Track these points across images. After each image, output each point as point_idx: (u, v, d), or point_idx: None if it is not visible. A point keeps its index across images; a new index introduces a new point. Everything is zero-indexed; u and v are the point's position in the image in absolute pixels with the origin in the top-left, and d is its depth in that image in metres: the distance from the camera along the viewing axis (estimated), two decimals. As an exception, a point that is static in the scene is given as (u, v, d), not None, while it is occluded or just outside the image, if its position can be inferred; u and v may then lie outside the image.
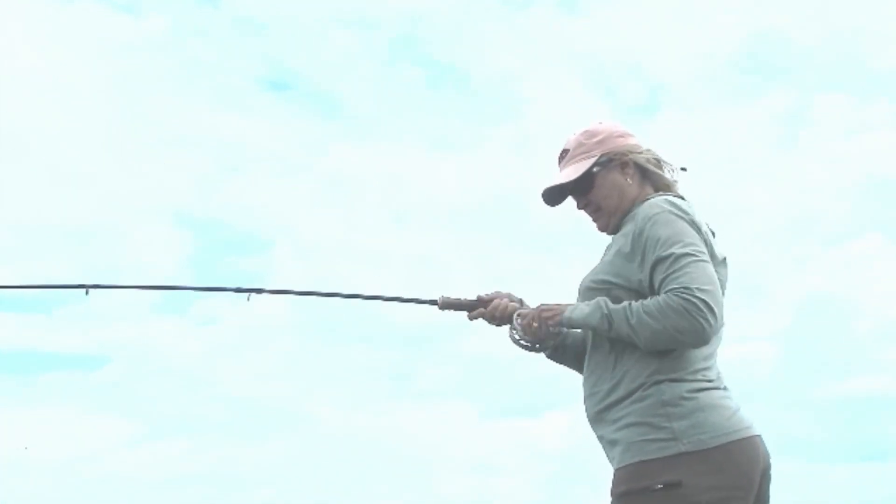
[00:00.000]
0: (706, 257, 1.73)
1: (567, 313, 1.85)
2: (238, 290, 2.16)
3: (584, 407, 1.87)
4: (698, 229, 1.77)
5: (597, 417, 1.81)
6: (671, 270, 1.70)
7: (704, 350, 1.77)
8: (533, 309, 1.95)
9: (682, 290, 1.66)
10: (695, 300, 1.65)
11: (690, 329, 1.65)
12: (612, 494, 1.73)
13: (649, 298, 1.72)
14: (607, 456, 1.81)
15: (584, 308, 1.81)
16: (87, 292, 2.11)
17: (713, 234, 1.87)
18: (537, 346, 1.98)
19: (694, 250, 1.71)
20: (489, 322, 2.02)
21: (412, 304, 2.10)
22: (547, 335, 1.93)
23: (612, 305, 1.77)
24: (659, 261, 1.72)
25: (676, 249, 1.71)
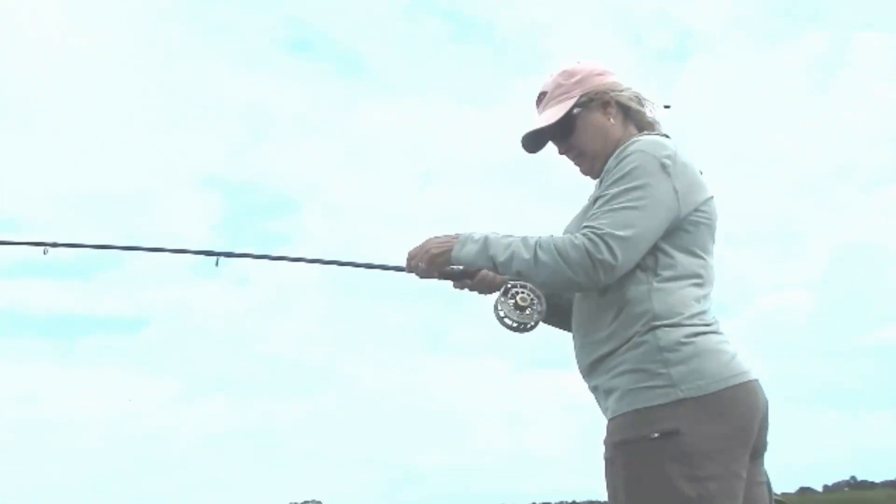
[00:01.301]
0: (648, 201, 1.65)
1: (455, 251, 1.81)
2: (207, 254, 2.09)
3: (575, 359, 1.80)
4: (669, 172, 1.68)
5: (591, 368, 1.75)
6: (599, 209, 1.67)
7: (700, 292, 1.71)
8: (419, 245, 1.87)
9: (592, 229, 1.64)
10: (597, 240, 1.61)
11: (582, 267, 1.62)
12: (606, 444, 1.67)
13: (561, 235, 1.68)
14: (601, 407, 1.75)
15: (472, 246, 1.77)
16: (45, 251, 2.07)
17: (701, 173, 1.80)
18: (526, 325, 1.85)
19: (635, 195, 1.65)
20: (476, 290, 1.95)
21: (392, 272, 2.01)
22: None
23: (503, 241, 1.73)
24: (598, 198, 1.69)
25: (617, 187, 1.67)
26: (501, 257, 1.72)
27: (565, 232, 1.82)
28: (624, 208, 1.64)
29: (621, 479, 1.60)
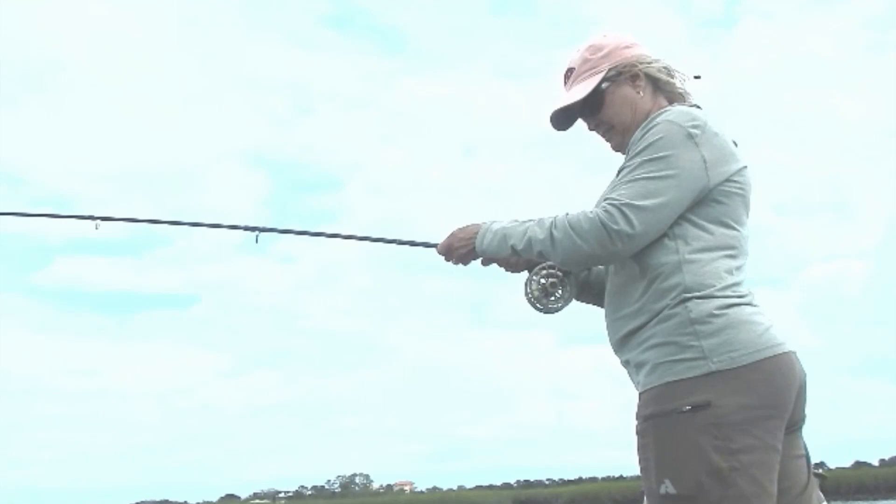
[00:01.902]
0: (672, 171, 1.62)
1: (477, 244, 1.83)
2: (247, 228, 2.12)
3: (607, 333, 1.80)
4: (698, 142, 1.65)
5: (622, 342, 1.74)
6: (619, 181, 1.66)
7: (732, 263, 1.69)
8: (445, 242, 1.90)
9: (611, 200, 1.63)
10: (613, 212, 1.60)
11: (597, 239, 1.62)
12: (637, 417, 1.67)
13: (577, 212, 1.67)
14: (633, 381, 1.74)
15: (491, 238, 1.80)
16: (97, 226, 2.13)
17: (735, 144, 1.77)
18: (552, 309, 1.86)
19: (658, 165, 1.63)
20: (505, 269, 1.93)
21: (420, 248, 2.02)
22: (546, 290, 1.85)
23: (518, 229, 1.74)
24: (621, 169, 1.68)
25: (636, 160, 1.66)
26: (520, 244, 1.74)
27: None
28: (645, 178, 1.63)
29: (652, 453, 1.59)
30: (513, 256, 1.80)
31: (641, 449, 1.63)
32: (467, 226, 1.88)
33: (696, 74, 1.86)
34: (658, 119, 1.70)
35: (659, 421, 1.59)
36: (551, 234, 1.68)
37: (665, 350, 1.62)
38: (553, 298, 1.86)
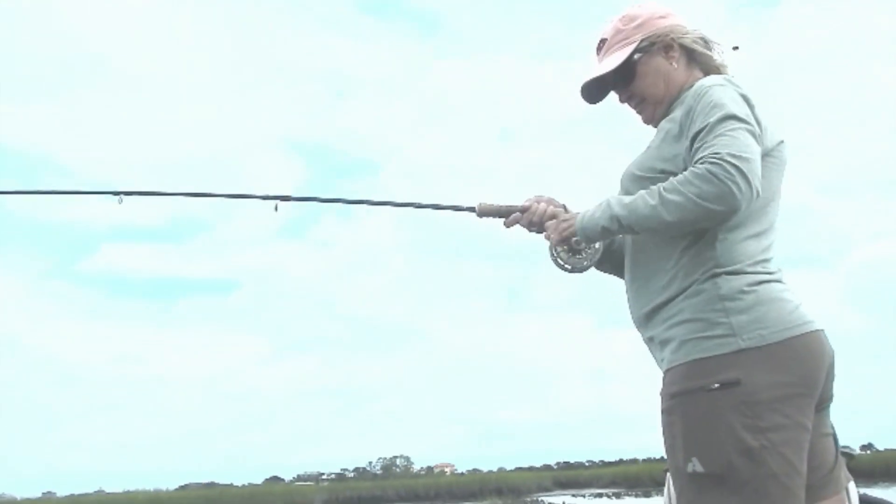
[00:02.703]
0: (751, 126, 1.57)
1: (578, 223, 1.74)
2: (265, 198, 2.09)
3: (629, 309, 1.78)
4: (751, 105, 1.62)
5: (646, 318, 1.72)
6: (705, 140, 1.56)
7: (763, 241, 1.66)
8: (551, 223, 1.83)
9: (710, 156, 1.52)
10: (723, 163, 1.49)
11: (717, 194, 1.49)
12: (662, 396, 1.65)
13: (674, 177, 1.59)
14: (656, 359, 1.72)
15: (593, 212, 1.69)
16: (120, 200, 2.10)
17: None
18: (580, 268, 1.87)
19: (737, 117, 1.56)
20: (528, 229, 1.89)
21: (453, 212, 1.97)
22: (572, 248, 1.83)
23: (624, 199, 1.63)
24: (697, 133, 1.59)
25: (713, 117, 1.57)
26: (624, 211, 1.62)
27: (623, 175, 1.77)
28: (732, 130, 1.53)
29: (679, 431, 1.58)
30: (616, 233, 1.68)
31: (667, 427, 1.62)
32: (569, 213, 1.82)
33: (735, 46, 1.82)
34: (707, 83, 1.65)
35: (687, 398, 1.57)
36: (662, 197, 1.55)
37: (693, 326, 1.59)
38: (580, 256, 1.85)
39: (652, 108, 1.80)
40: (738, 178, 1.49)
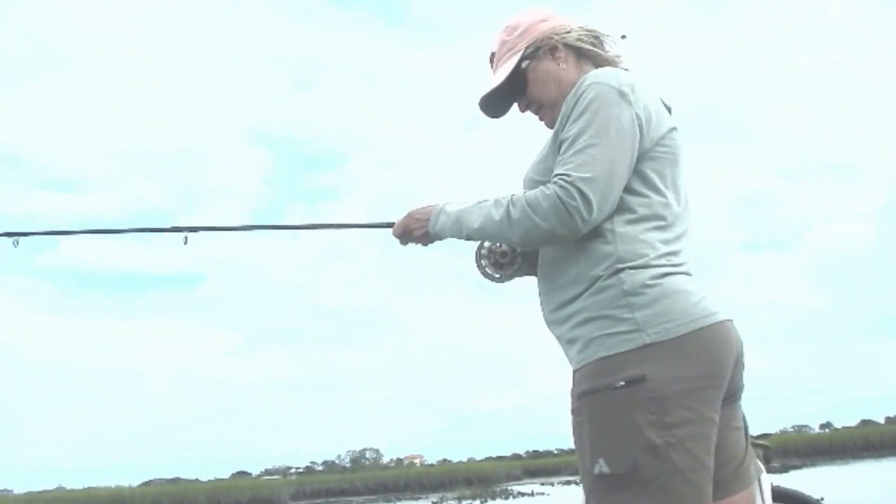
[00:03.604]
0: (613, 136, 1.57)
1: (430, 226, 1.79)
2: (175, 230, 2.03)
3: (540, 308, 1.74)
4: (630, 100, 1.60)
5: (553, 317, 1.68)
6: (564, 155, 1.59)
7: (668, 233, 1.63)
8: (401, 223, 1.85)
9: (561, 176, 1.56)
10: (569, 187, 1.53)
11: (560, 219, 1.55)
12: (571, 395, 1.61)
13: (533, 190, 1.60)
14: (567, 357, 1.67)
15: (445, 220, 1.75)
16: (185, 240, 2.02)
17: (669, 109, 1.72)
18: (504, 279, 1.85)
19: (599, 129, 1.57)
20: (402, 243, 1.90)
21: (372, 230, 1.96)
22: (498, 262, 1.82)
23: (474, 209, 1.69)
24: (561, 142, 1.61)
25: (575, 128, 1.59)
26: (475, 224, 1.68)
27: (524, 179, 1.76)
28: (588, 146, 1.56)
29: (587, 432, 1.54)
30: (465, 239, 1.75)
31: (576, 428, 1.58)
32: (423, 207, 1.82)
33: (623, 35, 1.80)
34: (586, 82, 1.63)
35: (593, 398, 1.54)
36: (508, 213, 1.61)
37: (599, 324, 1.56)
38: (505, 269, 1.84)
39: (551, 112, 1.79)
40: (581, 204, 1.53)
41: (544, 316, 1.72)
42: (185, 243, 2.01)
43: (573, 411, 1.59)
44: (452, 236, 1.76)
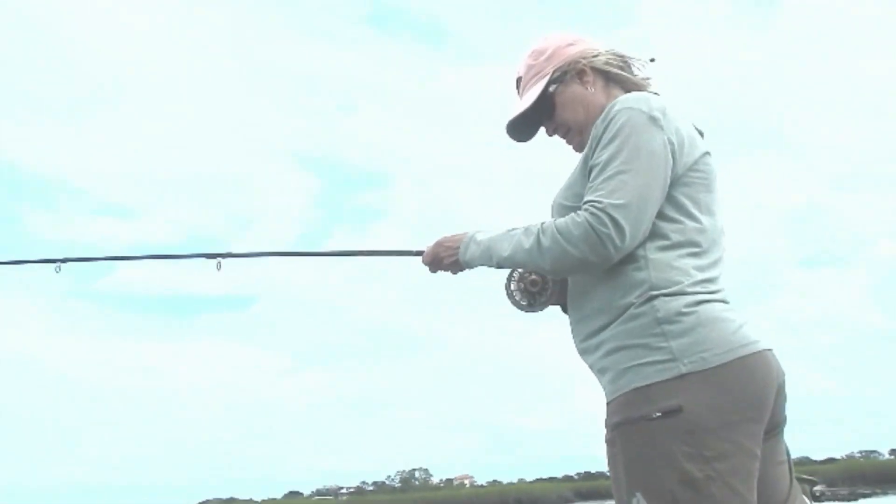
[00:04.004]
0: (645, 162, 1.53)
1: (461, 255, 1.78)
2: (208, 256, 2.07)
3: (572, 337, 1.70)
4: (661, 125, 1.57)
5: (583, 345, 1.65)
6: (594, 181, 1.56)
7: (703, 259, 1.58)
8: (430, 251, 1.85)
9: (592, 203, 1.53)
10: (601, 214, 1.50)
11: (591, 246, 1.51)
12: (606, 426, 1.57)
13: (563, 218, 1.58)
14: (601, 385, 1.63)
15: (475, 248, 1.74)
16: (218, 265, 2.07)
17: (701, 133, 1.68)
18: (534, 306, 1.81)
19: (630, 155, 1.53)
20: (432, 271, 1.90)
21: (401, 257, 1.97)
22: (528, 290, 1.79)
23: (504, 238, 1.67)
24: (591, 168, 1.58)
25: (605, 154, 1.56)
26: (505, 252, 1.66)
27: (552, 205, 1.73)
28: (620, 172, 1.52)
29: (622, 464, 1.49)
30: (496, 267, 1.73)
31: (611, 460, 1.53)
32: (454, 235, 1.82)
33: (651, 58, 1.78)
34: (616, 107, 1.60)
35: (627, 429, 1.49)
36: (538, 241, 1.58)
37: (631, 353, 1.52)
38: (535, 297, 1.80)
39: (579, 136, 1.77)
40: (613, 231, 1.50)
41: (575, 345, 1.69)
42: (219, 269, 2.04)
43: (608, 442, 1.55)
44: (483, 264, 1.75)
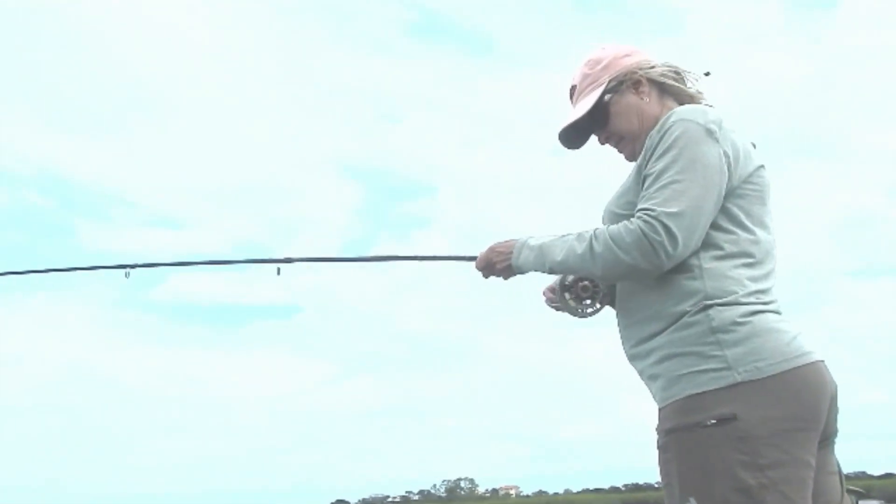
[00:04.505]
0: (700, 173, 1.56)
1: (514, 259, 1.80)
2: (269, 262, 2.14)
3: (620, 343, 1.74)
4: (717, 138, 1.59)
5: (634, 351, 1.68)
6: (648, 189, 1.58)
7: (757, 270, 1.61)
8: (483, 256, 1.87)
9: (645, 211, 1.55)
10: (654, 222, 1.53)
11: (643, 253, 1.54)
12: (657, 432, 1.60)
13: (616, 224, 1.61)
14: (650, 392, 1.66)
15: (528, 253, 1.76)
16: (278, 271, 2.13)
17: (754, 145, 1.70)
18: (587, 311, 1.85)
19: (685, 165, 1.56)
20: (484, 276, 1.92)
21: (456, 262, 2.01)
22: (579, 296, 1.83)
23: (557, 243, 1.69)
24: (647, 176, 1.61)
25: (660, 164, 1.58)
26: (558, 257, 1.68)
27: (604, 212, 1.77)
28: (674, 182, 1.55)
29: (675, 469, 1.52)
30: (548, 273, 1.76)
31: (663, 465, 1.56)
32: (506, 240, 1.85)
33: (706, 72, 1.80)
34: (672, 119, 1.63)
35: (682, 435, 1.52)
36: (591, 247, 1.61)
37: (685, 361, 1.54)
38: (588, 303, 1.85)
39: (631, 145, 1.80)
40: (666, 239, 1.52)
41: (625, 350, 1.72)
42: (279, 274, 2.11)
43: (660, 448, 1.58)
44: (535, 270, 1.78)
